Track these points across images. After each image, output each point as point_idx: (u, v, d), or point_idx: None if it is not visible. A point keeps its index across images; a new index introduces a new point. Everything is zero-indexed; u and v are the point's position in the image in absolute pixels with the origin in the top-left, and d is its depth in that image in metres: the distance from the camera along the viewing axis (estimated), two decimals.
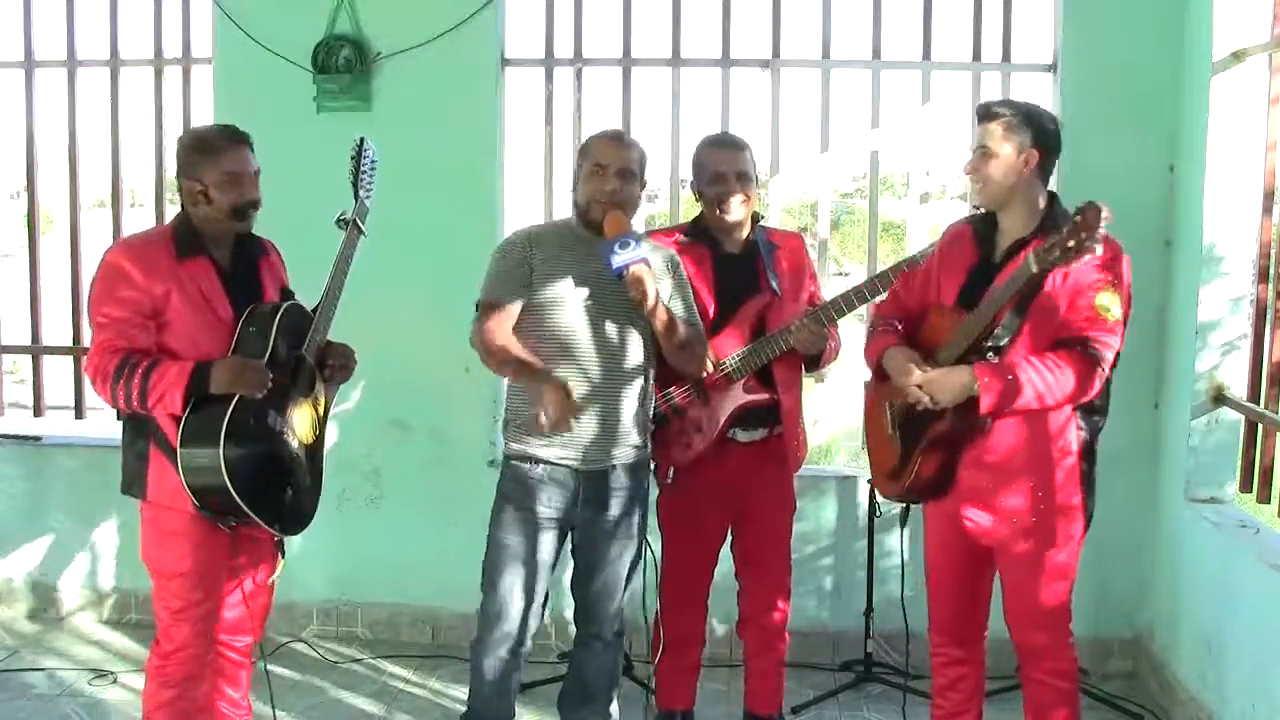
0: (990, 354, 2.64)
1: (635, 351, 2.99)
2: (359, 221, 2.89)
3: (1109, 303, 2.60)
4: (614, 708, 3.21)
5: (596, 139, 3.03)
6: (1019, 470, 2.71)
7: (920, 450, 2.78)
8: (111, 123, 4.41)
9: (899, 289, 2.99)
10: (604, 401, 2.95)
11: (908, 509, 3.05)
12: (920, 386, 2.67)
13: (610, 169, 2.94)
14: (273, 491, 2.73)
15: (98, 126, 4.38)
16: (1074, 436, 2.73)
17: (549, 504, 2.96)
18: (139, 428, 2.71)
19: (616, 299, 2.93)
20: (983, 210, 2.84)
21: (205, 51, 4.22)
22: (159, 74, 4.36)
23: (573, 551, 3.10)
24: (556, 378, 2.85)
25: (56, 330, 4.56)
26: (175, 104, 4.36)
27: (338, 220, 2.88)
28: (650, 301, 2.86)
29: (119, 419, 2.78)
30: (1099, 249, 2.41)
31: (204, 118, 4.18)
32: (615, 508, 3.03)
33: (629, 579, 3.10)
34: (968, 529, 2.79)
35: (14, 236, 6.66)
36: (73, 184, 4.44)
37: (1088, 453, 2.76)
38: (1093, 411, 2.75)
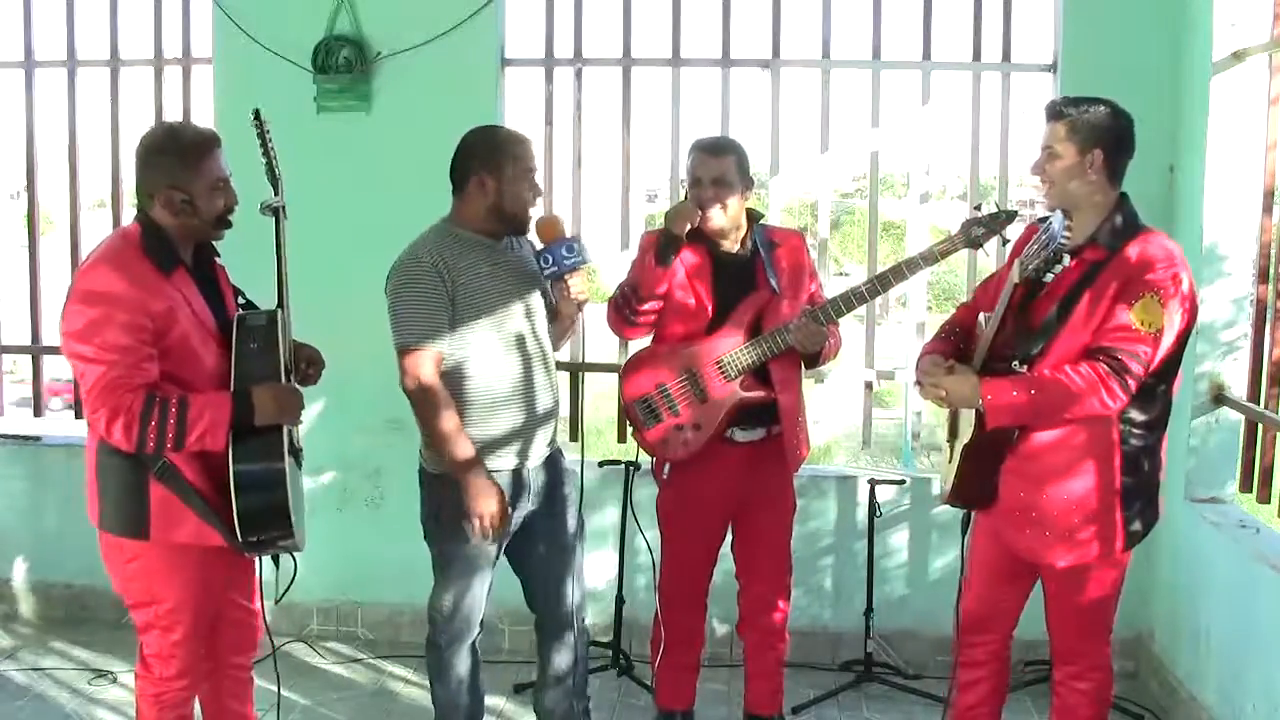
0: (1016, 363, 2.62)
1: (551, 344, 3.05)
2: (284, 208, 2.67)
3: (1147, 313, 2.53)
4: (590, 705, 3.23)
5: (521, 143, 2.94)
6: (1057, 482, 2.66)
7: (960, 458, 2.76)
8: (111, 123, 4.41)
9: (977, 293, 2.97)
10: (549, 393, 2.99)
11: (969, 516, 3.00)
12: (936, 386, 2.66)
13: (535, 172, 2.96)
14: (298, 507, 2.65)
15: (98, 126, 4.38)
16: (1115, 449, 2.64)
17: (511, 505, 2.95)
18: (129, 463, 2.48)
19: (535, 294, 2.97)
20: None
21: (205, 51, 4.21)
22: (159, 74, 4.36)
23: (521, 558, 3.08)
24: (496, 483, 2.86)
25: (56, 330, 4.56)
26: (175, 104, 4.36)
27: (263, 208, 2.62)
28: (586, 300, 2.94)
29: (109, 453, 2.50)
30: (1066, 259, 2.43)
31: (204, 118, 4.18)
32: (560, 492, 3.07)
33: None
34: (1009, 542, 2.76)
35: (14, 236, 6.66)
36: (73, 184, 4.44)
37: (1133, 466, 2.65)
38: (1144, 425, 2.66)
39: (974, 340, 2.83)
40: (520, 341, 2.93)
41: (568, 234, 2.92)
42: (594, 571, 4.14)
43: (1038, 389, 2.55)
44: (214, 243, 2.69)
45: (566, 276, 2.88)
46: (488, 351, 2.90)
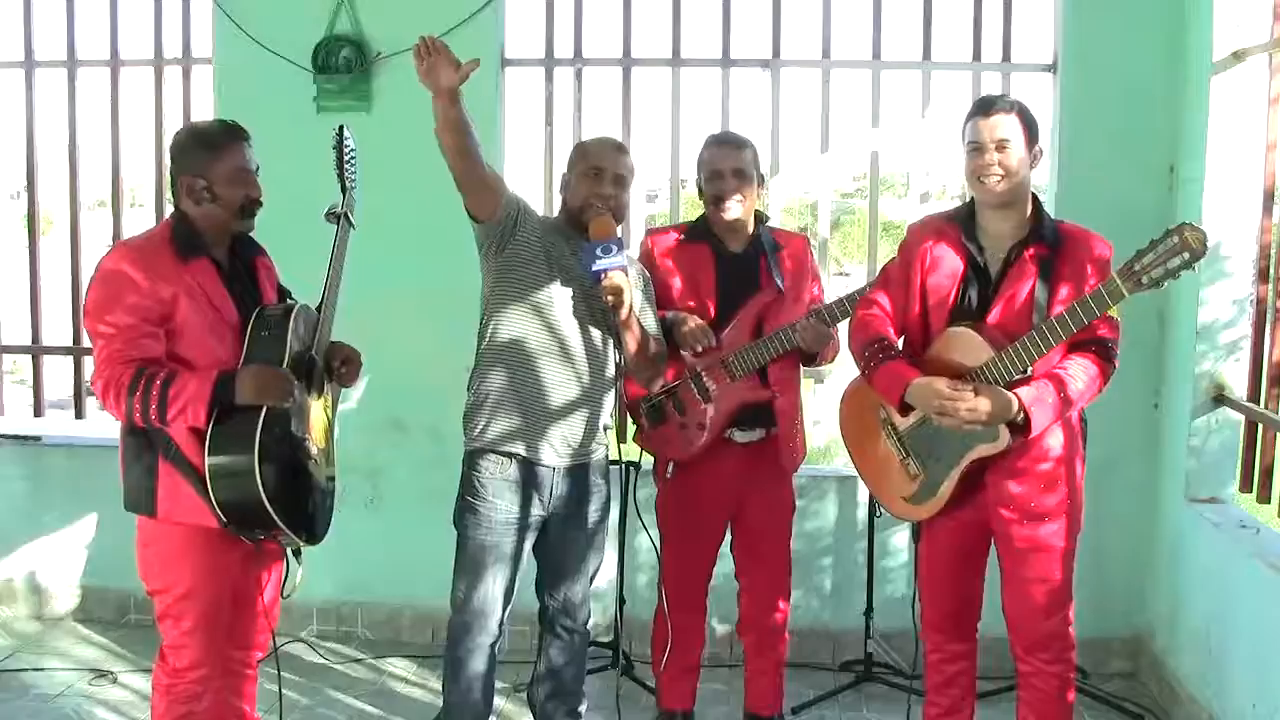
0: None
1: (611, 354, 3.01)
2: (349, 214, 2.81)
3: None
4: (583, 708, 3.23)
5: (595, 143, 3.05)
6: (1030, 459, 2.73)
7: (961, 472, 2.75)
8: (111, 123, 4.41)
9: (883, 302, 2.88)
10: (588, 400, 2.97)
11: (917, 528, 3.01)
12: (974, 411, 2.60)
13: (607, 174, 2.96)
14: (298, 500, 2.66)
15: (98, 126, 4.38)
16: (1076, 423, 2.79)
17: (528, 501, 2.96)
18: (144, 442, 2.59)
19: (599, 300, 2.92)
20: (952, 207, 2.84)
21: (205, 51, 4.21)
22: (159, 74, 4.36)
23: (540, 547, 3.09)
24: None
25: (56, 330, 4.56)
26: (175, 104, 4.37)
27: (327, 214, 2.79)
28: (625, 309, 2.84)
29: (129, 431, 2.61)
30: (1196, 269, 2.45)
31: (204, 118, 4.17)
32: (591, 502, 3.06)
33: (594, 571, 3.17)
34: (1000, 532, 2.79)
35: (14, 236, 6.67)
36: (73, 184, 4.44)
37: (1084, 441, 2.86)
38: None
39: (936, 352, 2.77)
40: (565, 337, 2.91)
41: (617, 236, 2.88)
42: None
43: (1063, 390, 2.62)
44: (250, 237, 2.76)
45: (601, 276, 2.81)
46: (520, 334, 2.91)
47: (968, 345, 2.71)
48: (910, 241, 2.86)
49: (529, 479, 2.95)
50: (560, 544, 3.06)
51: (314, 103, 4.05)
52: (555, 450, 2.95)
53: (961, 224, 2.79)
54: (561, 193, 3.06)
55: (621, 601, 3.97)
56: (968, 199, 2.86)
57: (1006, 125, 2.68)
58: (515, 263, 2.91)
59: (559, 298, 2.92)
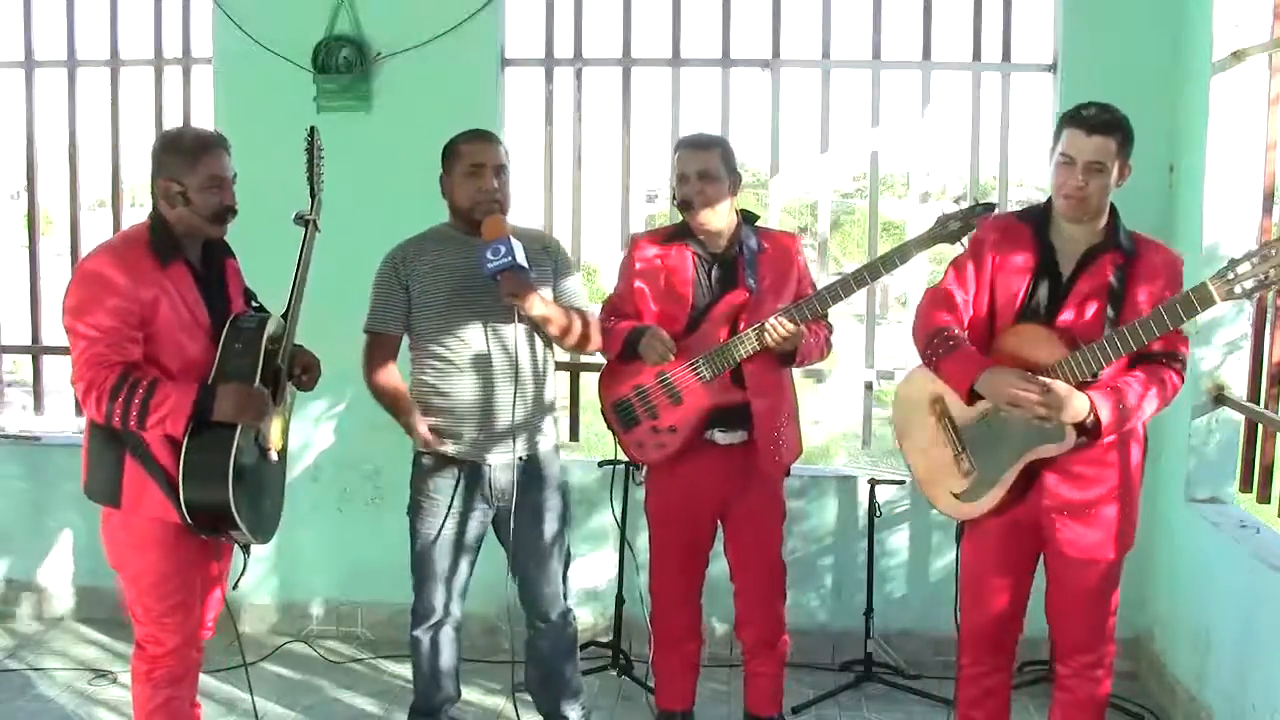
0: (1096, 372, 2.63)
1: (532, 344, 3.08)
2: (317, 220, 2.82)
3: None
4: (581, 699, 3.27)
5: (466, 141, 3.06)
6: (1090, 463, 2.70)
7: (1021, 470, 2.70)
8: (111, 123, 4.41)
9: (955, 293, 2.80)
10: (507, 397, 3.03)
11: (960, 530, 2.98)
12: (1046, 406, 2.56)
13: (488, 168, 3.01)
14: (257, 503, 2.72)
15: (98, 126, 4.38)
16: (1141, 439, 2.76)
17: (467, 495, 3.05)
18: (111, 438, 2.62)
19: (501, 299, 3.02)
20: (1025, 207, 2.78)
21: (205, 51, 4.22)
22: (159, 74, 4.36)
23: (502, 540, 3.16)
24: (425, 430, 3.02)
25: (57, 330, 4.55)
26: (175, 104, 4.37)
27: (296, 219, 2.79)
28: (528, 305, 2.93)
29: (102, 425, 2.61)
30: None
31: (204, 118, 4.18)
32: (533, 491, 3.10)
33: (565, 560, 3.22)
34: (1053, 538, 2.76)
35: (14, 236, 6.67)
36: (73, 184, 4.44)
37: (1145, 454, 2.81)
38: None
39: (1002, 348, 2.73)
40: (475, 336, 3.01)
41: (507, 234, 2.93)
42: (594, 571, 4.14)
43: (1138, 398, 2.60)
44: (222, 240, 2.77)
45: (497, 277, 2.90)
46: (439, 341, 3.02)
47: (1041, 341, 2.66)
48: (981, 238, 2.82)
49: (460, 475, 3.04)
50: (515, 537, 3.10)
51: (314, 103, 4.05)
52: (485, 445, 3.03)
53: (1036, 224, 2.74)
54: (445, 195, 3.09)
55: (621, 601, 3.98)
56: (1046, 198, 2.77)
57: (1105, 149, 2.60)
58: (419, 306, 3.05)
59: (457, 306, 3.01)
